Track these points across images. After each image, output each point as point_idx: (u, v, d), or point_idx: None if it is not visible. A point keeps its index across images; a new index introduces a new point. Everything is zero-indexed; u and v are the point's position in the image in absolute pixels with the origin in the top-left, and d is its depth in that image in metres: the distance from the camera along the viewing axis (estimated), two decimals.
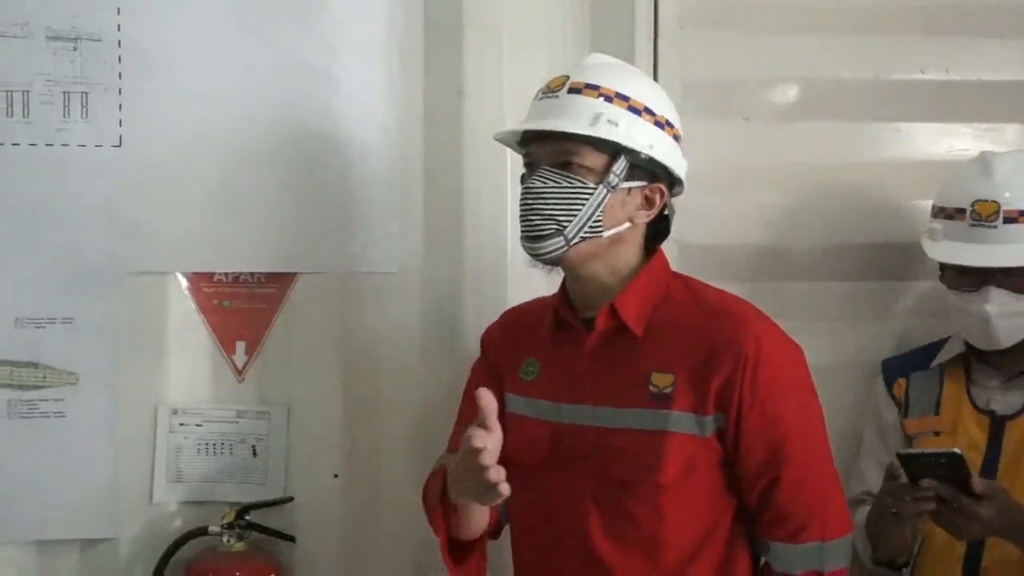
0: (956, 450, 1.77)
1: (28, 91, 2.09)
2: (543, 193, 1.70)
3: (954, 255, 2.05)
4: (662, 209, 1.79)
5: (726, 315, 1.74)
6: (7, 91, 2.08)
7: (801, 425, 1.73)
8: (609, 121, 1.70)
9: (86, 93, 2.11)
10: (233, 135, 2.16)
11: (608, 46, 2.23)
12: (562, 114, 1.72)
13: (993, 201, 2.02)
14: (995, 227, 2.01)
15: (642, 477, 1.71)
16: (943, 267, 2.10)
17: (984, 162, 2.08)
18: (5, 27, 2.07)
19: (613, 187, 1.71)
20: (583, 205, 1.69)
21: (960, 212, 2.05)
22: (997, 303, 2.00)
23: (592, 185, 1.70)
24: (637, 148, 1.71)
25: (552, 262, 1.74)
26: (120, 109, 2.12)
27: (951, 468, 1.77)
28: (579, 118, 1.71)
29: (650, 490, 1.71)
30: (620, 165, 1.71)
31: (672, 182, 1.80)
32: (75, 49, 2.10)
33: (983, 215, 2.02)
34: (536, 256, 1.74)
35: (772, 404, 1.69)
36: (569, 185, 1.70)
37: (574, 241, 1.70)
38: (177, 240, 2.15)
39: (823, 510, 1.72)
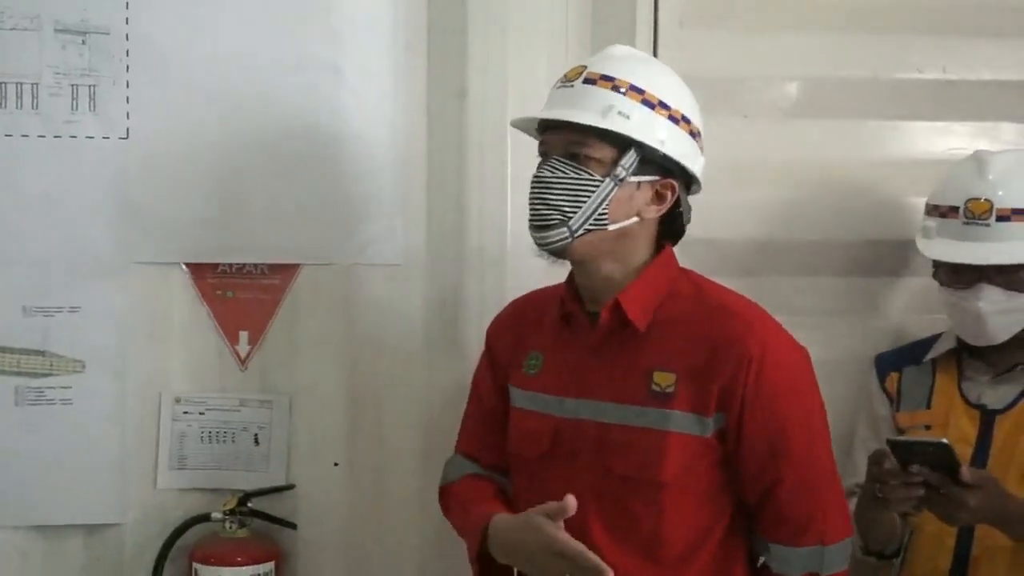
0: (944, 440, 1.80)
1: (37, 83, 2.12)
2: (551, 183, 1.69)
3: (947, 253, 2.07)
4: (674, 206, 1.76)
5: (730, 315, 1.72)
6: (17, 83, 2.11)
7: (803, 428, 1.71)
8: (620, 113, 1.68)
9: (94, 85, 2.14)
10: (239, 127, 2.18)
11: (609, 43, 2.26)
12: (575, 104, 1.70)
13: (986, 199, 2.03)
14: (988, 225, 2.03)
15: (642, 474, 1.69)
16: (936, 264, 2.11)
17: (978, 160, 2.09)
18: (16, 20, 2.10)
19: (621, 180, 1.69)
20: (589, 197, 1.68)
21: (954, 210, 2.07)
22: (989, 300, 2.01)
23: (599, 177, 1.68)
24: (648, 142, 1.69)
25: (557, 253, 1.72)
26: (127, 101, 2.15)
27: (940, 457, 1.79)
28: (590, 109, 1.69)
29: (650, 488, 1.70)
30: (629, 159, 1.69)
31: (688, 180, 1.78)
32: (84, 42, 2.13)
33: (976, 213, 2.04)
34: (541, 245, 1.72)
35: (774, 407, 1.68)
36: (576, 176, 1.68)
37: (578, 233, 1.69)
38: (182, 231, 2.18)
39: (823, 513, 1.71)
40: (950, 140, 2.38)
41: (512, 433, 1.87)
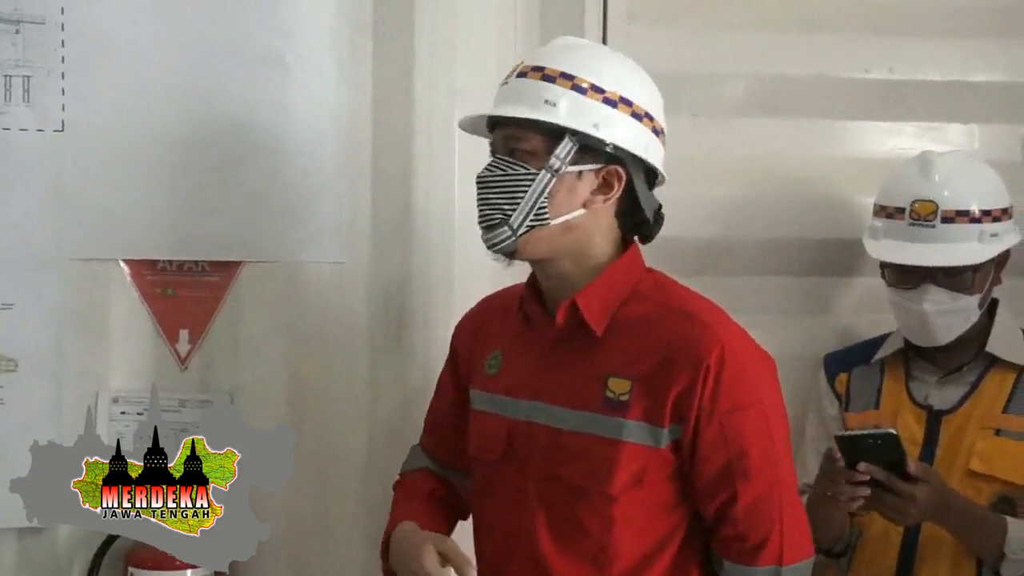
0: (892, 430, 1.81)
1: None
2: (490, 182, 1.66)
3: (893, 254, 2.08)
4: (627, 195, 1.68)
5: (688, 319, 1.65)
6: None
7: (761, 441, 1.63)
8: (547, 102, 1.63)
9: (28, 76, 2.08)
10: (179, 121, 2.13)
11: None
12: (510, 100, 1.67)
13: (931, 201, 2.05)
14: (933, 227, 2.04)
15: (591, 485, 1.64)
16: (883, 264, 2.13)
17: (924, 162, 2.11)
18: None
19: (556, 171, 1.62)
20: (525, 191, 1.63)
21: (900, 211, 2.09)
22: (934, 301, 2.03)
23: (534, 170, 1.63)
24: (579, 128, 1.62)
25: (506, 253, 1.67)
26: (63, 93, 2.09)
27: (887, 449, 1.81)
28: (522, 103, 1.64)
29: (600, 499, 1.64)
30: (564, 148, 1.62)
31: (647, 167, 1.70)
32: (17, 32, 2.07)
33: (922, 214, 2.05)
34: (489, 247, 1.68)
35: (731, 418, 1.61)
36: (513, 172, 1.64)
37: (520, 231, 1.64)
38: (120, 227, 2.13)
39: (781, 533, 1.63)
40: (897, 140, 2.40)
41: (471, 436, 1.83)
